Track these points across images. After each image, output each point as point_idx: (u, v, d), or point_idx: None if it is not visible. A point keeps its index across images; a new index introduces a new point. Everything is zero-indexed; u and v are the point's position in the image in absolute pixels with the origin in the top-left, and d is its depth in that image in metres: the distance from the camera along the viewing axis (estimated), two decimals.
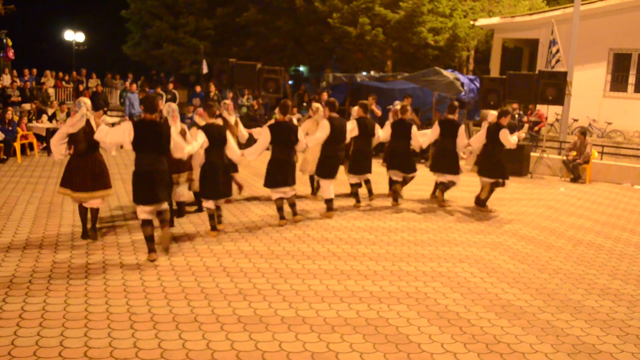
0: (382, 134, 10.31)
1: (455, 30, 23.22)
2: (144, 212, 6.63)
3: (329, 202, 9.28)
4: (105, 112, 18.17)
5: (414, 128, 10.19)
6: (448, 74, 17.39)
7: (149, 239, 6.62)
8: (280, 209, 8.54)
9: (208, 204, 7.77)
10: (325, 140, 9.14)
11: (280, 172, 8.39)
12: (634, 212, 10.89)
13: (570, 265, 7.37)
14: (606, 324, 5.55)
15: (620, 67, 19.23)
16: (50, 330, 4.72)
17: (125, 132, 6.50)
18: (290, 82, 28.40)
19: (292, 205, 8.71)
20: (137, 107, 17.94)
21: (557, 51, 16.25)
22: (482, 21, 22.12)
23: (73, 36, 31.28)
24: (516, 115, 16.24)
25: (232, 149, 7.86)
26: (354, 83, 19.35)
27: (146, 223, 6.62)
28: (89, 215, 7.35)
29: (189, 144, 7.27)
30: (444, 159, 10.29)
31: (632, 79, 19.04)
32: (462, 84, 17.27)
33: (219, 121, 8.66)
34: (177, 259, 6.68)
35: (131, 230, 7.78)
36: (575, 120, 18.04)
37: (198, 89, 20.21)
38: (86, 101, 7.31)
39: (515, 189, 12.36)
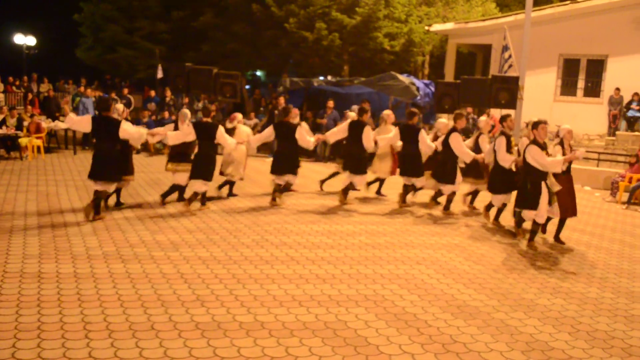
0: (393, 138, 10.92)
1: (411, 36, 23.51)
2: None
3: None
4: (57, 118, 17.78)
5: (422, 133, 10.52)
6: (404, 78, 17.62)
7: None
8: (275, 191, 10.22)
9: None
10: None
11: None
12: (584, 212, 11.19)
13: (524, 265, 7.55)
14: (558, 322, 5.70)
15: (570, 72, 19.76)
16: (2, 342, 4.60)
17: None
18: (247, 86, 28.31)
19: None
20: (91, 112, 17.58)
21: (510, 56, 16.61)
22: (437, 27, 22.46)
23: (24, 40, 30.57)
24: (470, 120, 16.54)
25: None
26: (311, 88, 19.43)
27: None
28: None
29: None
30: (409, 163, 10.64)
31: (581, 84, 19.58)
32: (418, 89, 17.53)
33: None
34: (134, 266, 6.58)
35: (85, 238, 7.63)
36: (528, 123, 18.49)
37: (153, 93, 19.97)
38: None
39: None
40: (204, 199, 9.79)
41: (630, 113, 18.07)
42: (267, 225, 8.83)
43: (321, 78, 22.07)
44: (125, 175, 9.42)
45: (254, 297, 5.85)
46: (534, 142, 8.09)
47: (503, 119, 9.76)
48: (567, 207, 8.49)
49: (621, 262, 8.09)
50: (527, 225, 8.82)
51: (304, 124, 11.34)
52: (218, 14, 24.77)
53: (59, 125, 16.73)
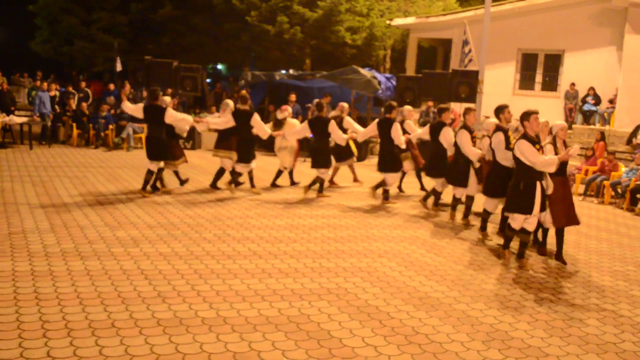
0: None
1: (372, 30, 23.59)
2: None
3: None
4: (12, 112, 17.31)
5: (396, 126, 10.28)
6: (365, 72, 17.68)
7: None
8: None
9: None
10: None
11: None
12: None
13: (483, 256, 7.67)
14: (517, 312, 5.80)
15: (528, 67, 20.12)
16: None
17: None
18: (208, 80, 28.04)
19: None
20: (48, 106, 17.17)
21: (470, 51, 16.82)
22: (398, 21, 22.60)
23: None
24: (431, 113, 16.71)
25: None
26: (273, 81, 19.36)
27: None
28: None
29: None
30: (385, 158, 10.50)
31: (539, 78, 19.96)
32: (379, 82, 17.62)
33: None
34: (93, 263, 6.46)
35: (42, 235, 7.46)
36: (487, 117, 18.71)
37: (112, 87, 19.61)
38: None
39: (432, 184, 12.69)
40: (252, 181, 10.98)
41: (586, 107, 18.49)
42: (229, 219, 8.77)
43: (283, 72, 21.99)
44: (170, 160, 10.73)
45: (216, 292, 5.80)
46: (524, 136, 7.11)
47: (466, 112, 9.46)
48: (562, 214, 7.45)
49: (577, 252, 8.28)
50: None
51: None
52: (178, 7, 24.47)
53: (14, 119, 16.29)
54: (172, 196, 10.23)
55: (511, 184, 7.32)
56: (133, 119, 16.73)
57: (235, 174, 10.86)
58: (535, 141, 7.08)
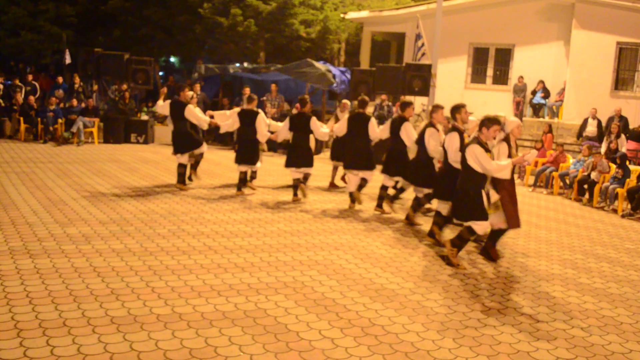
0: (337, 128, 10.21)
1: (327, 23, 23.58)
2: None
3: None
4: None
5: (373, 121, 9.73)
6: (320, 65, 17.69)
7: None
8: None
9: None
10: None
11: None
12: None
13: (438, 248, 7.77)
14: (471, 301, 5.92)
15: (480, 61, 20.46)
16: None
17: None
18: (160, 73, 27.59)
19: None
20: None
21: (422, 45, 17.01)
22: (352, 14, 22.66)
23: None
24: (385, 107, 16.83)
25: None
26: (227, 75, 19.21)
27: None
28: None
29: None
30: (357, 155, 9.84)
31: (490, 72, 20.33)
32: (334, 76, 17.66)
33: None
34: (42, 261, 6.30)
35: None
36: (470, 113, 19.04)
37: (60, 80, 19.11)
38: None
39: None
40: (251, 179, 10.98)
41: (535, 100, 18.93)
42: (184, 215, 8.67)
43: (237, 65, 21.82)
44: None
45: (171, 288, 5.73)
46: (478, 141, 6.82)
47: (434, 109, 8.74)
48: (515, 215, 7.27)
49: (528, 242, 8.48)
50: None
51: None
52: None
53: None
54: (124, 191, 10.04)
55: (459, 191, 7.01)
56: (83, 113, 16.37)
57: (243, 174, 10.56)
58: (487, 148, 6.83)
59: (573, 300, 6.19)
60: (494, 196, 7.10)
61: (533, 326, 5.41)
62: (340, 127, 10.11)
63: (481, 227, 6.92)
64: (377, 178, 10.06)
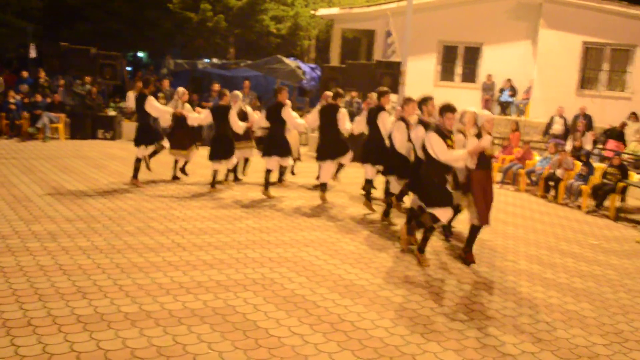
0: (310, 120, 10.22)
1: (297, 19, 23.59)
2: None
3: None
4: None
5: (342, 111, 9.76)
6: (290, 62, 17.68)
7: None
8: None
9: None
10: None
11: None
12: None
13: (405, 245, 7.81)
14: (439, 297, 5.98)
15: (449, 59, 20.63)
16: None
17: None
18: (128, 68, 27.25)
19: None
20: None
21: (392, 42, 17.08)
22: (323, 11, 22.64)
23: None
24: (354, 104, 16.86)
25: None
26: (196, 70, 19.05)
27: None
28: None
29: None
30: (330, 146, 9.89)
31: (458, 70, 20.52)
32: (304, 72, 17.66)
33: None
34: (6, 259, 6.17)
35: None
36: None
37: (25, 74, 18.75)
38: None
39: (356, 173, 12.84)
40: (226, 176, 11.16)
41: (502, 98, 19.17)
42: (152, 211, 8.58)
43: (206, 60, 21.66)
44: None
45: (138, 286, 5.67)
46: (437, 129, 6.85)
47: (405, 102, 8.50)
48: (486, 212, 7.09)
49: (495, 239, 8.60)
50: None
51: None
52: None
53: None
54: (91, 188, 9.90)
55: (423, 178, 7.03)
56: (49, 108, 16.08)
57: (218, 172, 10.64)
58: (446, 136, 6.81)
59: (539, 295, 6.30)
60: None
61: (500, 321, 5.49)
62: (312, 118, 10.15)
63: (444, 214, 6.93)
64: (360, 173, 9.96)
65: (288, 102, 10.21)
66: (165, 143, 10.94)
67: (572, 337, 5.27)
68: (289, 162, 10.50)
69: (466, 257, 7.28)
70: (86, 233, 7.28)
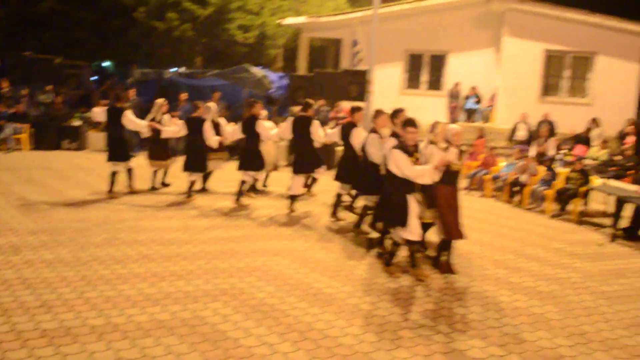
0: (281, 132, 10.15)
1: (264, 28, 23.61)
2: None
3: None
4: None
5: (316, 124, 9.67)
6: (257, 71, 17.69)
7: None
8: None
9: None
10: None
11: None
12: None
13: (374, 252, 7.88)
14: (407, 302, 6.04)
15: (415, 67, 20.85)
16: None
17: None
18: (94, 77, 26.93)
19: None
20: None
21: (359, 51, 17.23)
22: (290, 20, 22.70)
23: None
24: (322, 112, 16.94)
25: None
26: (163, 80, 18.95)
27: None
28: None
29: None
30: (304, 158, 9.82)
31: (424, 78, 20.75)
32: (271, 81, 17.68)
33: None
34: None
35: None
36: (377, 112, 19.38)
37: None
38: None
39: (324, 182, 12.88)
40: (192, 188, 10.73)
41: (468, 105, 19.46)
42: (119, 223, 8.49)
43: (173, 70, 21.55)
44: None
45: (105, 298, 5.61)
46: (400, 145, 6.71)
47: (376, 115, 8.41)
48: (452, 226, 7.03)
49: (462, 244, 8.68)
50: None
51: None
52: (61, 0, 23.32)
53: None
54: (56, 200, 9.75)
55: (385, 196, 6.97)
56: (12, 119, 15.80)
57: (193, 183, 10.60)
58: (411, 152, 6.68)
59: (505, 299, 6.40)
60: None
61: (467, 325, 5.57)
62: (284, 130, 10.09)
63: (407, 233, 6.74)
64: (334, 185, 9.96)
65: (264, 112, 10.44)
66: (133, 163, 10.72)
67: (538, 340, 5.37)
68: (262, 175, 10.56)
69: (445, 267, 7.17)
70: (51, 245, 7.18)
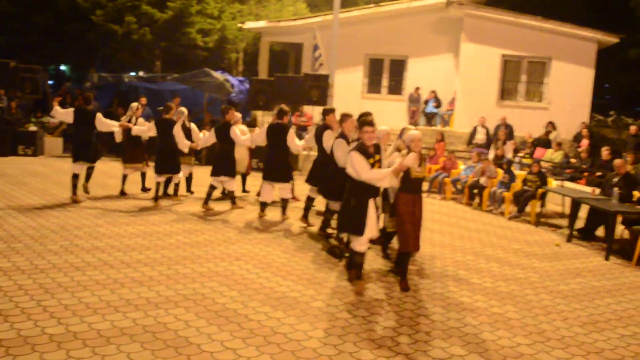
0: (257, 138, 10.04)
1: (224, 32, 23.49)
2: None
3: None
4: None
5: (292, 132, 9.57)
6: (218, 75, 17.58)
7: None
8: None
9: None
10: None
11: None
12: None
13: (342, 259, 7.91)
14: (371, 305, 6.07)
15: (375, 71, 21.02)
16: None
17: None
18: (50, 82, 26.40)
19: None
20: None
21: (320, 55, 17.29)
22: (250, 24, 22.65)
23: None
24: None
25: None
26: (122, 84, 18.66)
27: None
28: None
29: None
30: (275, 166, 9.72)
31: (385, 82, 20.93)
32: (232, 85, 17.59)
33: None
34: None
35: None
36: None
37: None
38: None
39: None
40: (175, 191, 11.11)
41: (428, 109, 19.70)
42: (77, 229, 8.32)
43: (132, 74, 21.26)
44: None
45: (64, 306, 5.49)
46: (358, 148, 6.50)
47: (343, 119, 8.24)
48: (409, 237, 6.64)
49: (423, 246, 8.75)
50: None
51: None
52: (16, 3, 22.80)
53: None
54: (12, 206, 9.51)
55: (344, 199, 6.71)
56: None
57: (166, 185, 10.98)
58: (370, 154, 6.45)
59: (465, 300, 6.49)
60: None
61: (429, 326, 5.63)
62: (258, 137, 9.97)
63: (357, 243, 6.51)
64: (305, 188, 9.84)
65: (238, 115, 10.73)
66: (95, 166, 10.76)
67: (498, 339, 5.46)
68: (235, 181, 10.59)
69: (401, 285, 6.70)
70: (6, 253, 6.99)
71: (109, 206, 10.01)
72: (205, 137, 10.74)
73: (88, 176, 10.70)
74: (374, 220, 6.55)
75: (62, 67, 34.17)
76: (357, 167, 6.35)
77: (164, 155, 10.41)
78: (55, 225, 8.47)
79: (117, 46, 22.31)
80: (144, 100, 16.53)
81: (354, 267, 6.69)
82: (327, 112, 9.21)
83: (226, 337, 5.05)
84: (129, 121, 11.00)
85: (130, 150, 11.19)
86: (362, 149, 6.46)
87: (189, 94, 18.74)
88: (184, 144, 10.39)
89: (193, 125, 11.26)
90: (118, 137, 11.08)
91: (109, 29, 21.38)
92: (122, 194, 11.11)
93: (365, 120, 6.61)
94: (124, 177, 11.24)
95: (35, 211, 9.31)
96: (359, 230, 6.45)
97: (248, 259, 7.43)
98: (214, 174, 10.25)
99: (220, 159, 10.28)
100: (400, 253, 6.85)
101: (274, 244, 8.25)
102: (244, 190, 12.05)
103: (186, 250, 7.62)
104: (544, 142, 16.48)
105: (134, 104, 11.22)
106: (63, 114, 10.41)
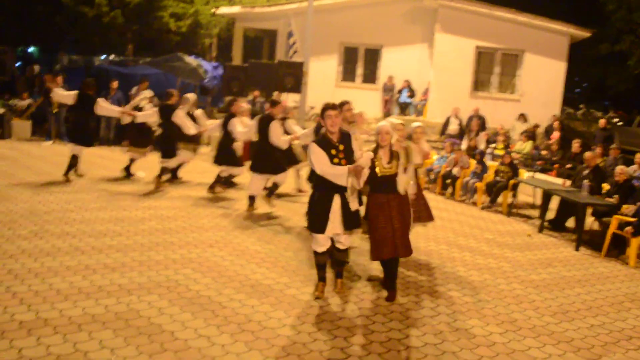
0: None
1: (198, 17, 23.22)
2: None
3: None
4: None
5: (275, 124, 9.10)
6: (191, 60, 17.38)
7: None
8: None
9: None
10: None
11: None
12: None
13: (310, 243, 7.88)
14: (345, 293, 6.07)
15: (350, 60, 21.00)
16: None
17: None
18: (18, 63, 25.81)
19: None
20: None
21: (294, 42, 17.18)
22: (224, 9, 22.40)
23: None
24: (257, 103, 16.84)
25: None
26: (93, 67, 18.37)
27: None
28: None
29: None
30: (264, 158, 9.36)
31: (359, 71, 20.93)
32: (206, 71, 17.41)
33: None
34: None
35: None
36: (312, 107, 19.33)
37: None
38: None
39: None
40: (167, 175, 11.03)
41: (401, 99, 19.76)
42: (47, 214, 8.16)
43: (103, 57, 20.90)
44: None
45: (34, 292, 5.39)
46: (322, 138, 5.80)
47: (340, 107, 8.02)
48: (381, 244, 5.92)
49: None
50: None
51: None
52: None
53: None
54: None
55: (310, 195, 6.08)
56: None
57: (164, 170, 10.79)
58: (332, 144, 5.69)
59: (439, 289, 6.54)
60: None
61: (403, 314, 5.67)
62: (250, 130, 9.67)
63: (315, 242, 5.93)
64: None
65: (245, 107, 10.79)
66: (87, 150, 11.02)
67: (471, 328, 5.51)
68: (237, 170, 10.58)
69: (388, 296, 6.06)
70: None
71: (79, 190, 9.84)
72: (212, 126, 10.97)
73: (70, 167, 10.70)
74: (338, 217, 5.72)
75: (31, 49, 33.45)
76: (312, 159, 5.65)
77: (164, 141, 10.62)
78: (23, 210, 8.30)
79: (88, 29, 21.89)
80: (115, 84, 16.28)
81: (316, 268, 6.07)
82: (274, 103, 9.27)
83: (200, 325, 5.01)
84: (136, 108, 11.37)
85: (136, 135, 11.26)
86: (323, 139, 5.74)
87: (161, 79, 18.49)
88: (188, 127, 10.48)
89: (199, 112, 11.48)
90: (124, 120, 11.26)
91: (80, 11, 20.96)
92: (128, 175, 11.27)
93: (328, 104, 5.79)
94: (131, 161, 11.32)
95: (4, 195, 9.11)
96: (320, 228, 5.74)
97: (222, 246, 7.38)
98: (217, 162, 10.41)
99: (222, 148, 10.34)
100: (382, 262, 6.16)
101: (249, 231, 8.21)
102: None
103: (159, 237, 7.54)
104: (532, 135, 16.40)
105: (145, 91, 11.83)
106: (64, 97, 10.59)
